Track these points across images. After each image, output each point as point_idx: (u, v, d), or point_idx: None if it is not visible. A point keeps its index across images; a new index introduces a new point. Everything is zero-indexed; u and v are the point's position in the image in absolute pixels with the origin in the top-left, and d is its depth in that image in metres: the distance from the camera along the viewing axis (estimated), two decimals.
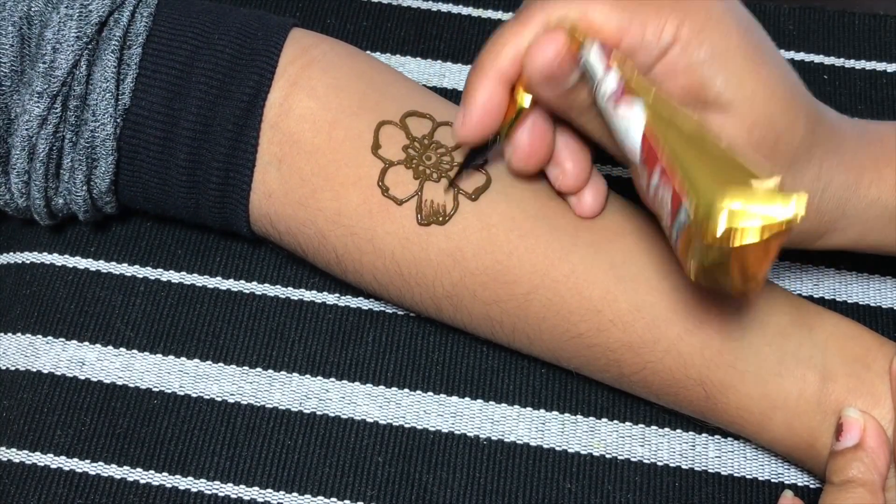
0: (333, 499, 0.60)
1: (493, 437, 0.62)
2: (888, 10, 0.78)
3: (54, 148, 0.58)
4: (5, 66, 0.58)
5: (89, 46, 0.58)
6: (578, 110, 0.54)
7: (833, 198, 0.56)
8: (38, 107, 0.57)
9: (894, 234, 0.58)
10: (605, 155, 0.69)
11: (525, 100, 0.54)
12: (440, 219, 0.57)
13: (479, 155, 0.57)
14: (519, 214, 0.58)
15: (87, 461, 0.60)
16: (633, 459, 0.62)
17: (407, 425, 0.62)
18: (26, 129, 0.57)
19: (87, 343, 0.64)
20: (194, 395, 0.62)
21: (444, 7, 0.77)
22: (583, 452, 0.62)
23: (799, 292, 0.67)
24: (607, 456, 0.62)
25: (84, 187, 0.60)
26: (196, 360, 0.63)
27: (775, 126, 0.53)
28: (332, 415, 0.62)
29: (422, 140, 0.59)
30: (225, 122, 0.58)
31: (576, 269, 0.57)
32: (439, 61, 0.75)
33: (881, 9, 0.78)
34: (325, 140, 0.59)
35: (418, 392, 0.63)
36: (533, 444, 0.62)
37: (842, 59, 0.76)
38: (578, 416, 0.63)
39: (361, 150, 0.58)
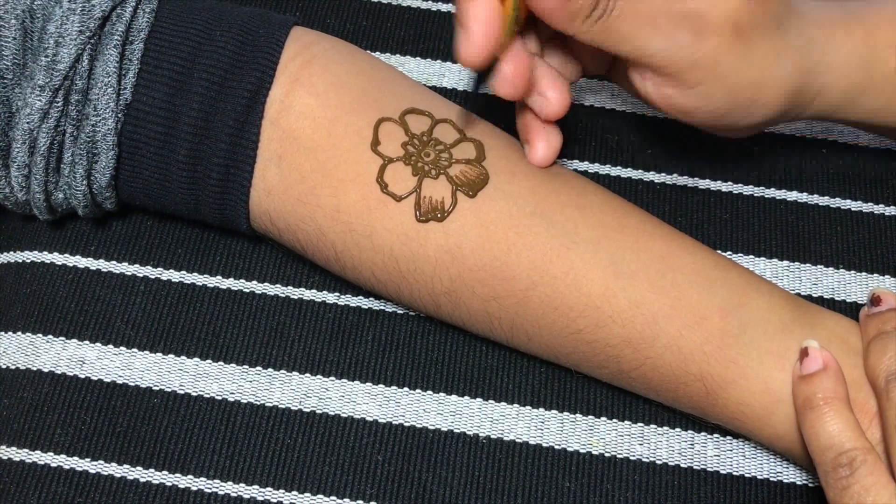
0: (333, 497, 0.60)
1: (493, 436, 0.62)
2: None
3: (55, 142, 0.59)
4: (7, 59, 0.58)
5: (91, 41, 0.58)
6: (575, 14, 0.55)
7: (816, 51, 0.60)
8: (39, 100, 0.57)
9: (868, 85, 0.62)
10: (605, 155, 0.69)
11: (511, 22, 0.56)
12: (439, 215, 0.58)
13: (484, 77, 0.58)
14: (517, 211, 0.58)
15: (88, 460, 0.60)
16: (632, 458, 0.62)
17: (406, 424, 0.62)
18: (27, 123, 0.58)
19: (87, 342, 0.64)
20: (194, 394, 0.62)
21: (444, 7, 0.77)
22: (582, 451, 0.62)
23: (798, 292, 0.67)
24: (606, 454, 0.62)
25: (84, 182, 0.60)
26: (196, 359, 0.63)
27: None
28: (332, 413, 0.62)
29: (421, 137, 0.59)
30: (226, 119, 0.59)
31: (574, 266, 0.58)
32: (439, 61, 0.75)
33: None
34: (324, 137, 0.59)
35: (418, 391, 0.63)
36: (532, 442, 0.62)
37: None
38: (577, 415, 0.63)
39: (361, 147, 0.59)
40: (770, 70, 0.58)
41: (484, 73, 0.57)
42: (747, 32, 0.57)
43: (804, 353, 0.56)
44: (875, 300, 0.59)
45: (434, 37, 0.76)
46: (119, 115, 0.59)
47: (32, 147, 0.58)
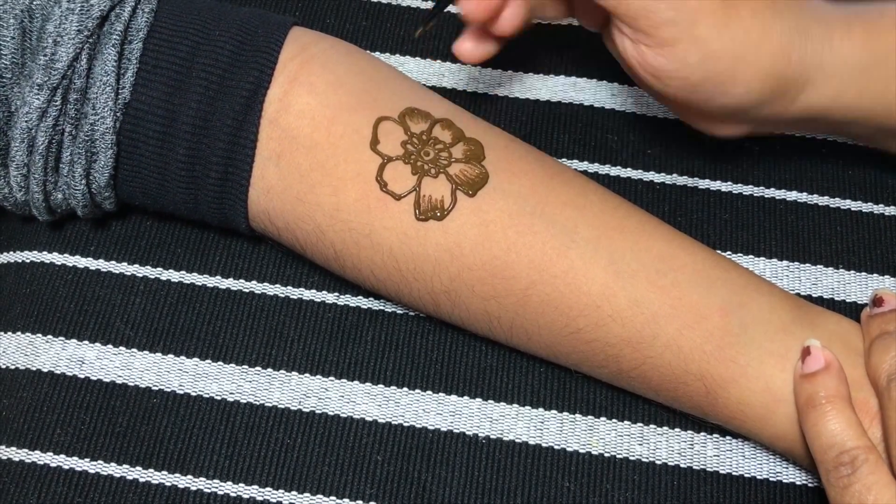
0: (333, 497, 0.60)
1: (492, 436, 0.62)
2: None
3: (54, 141, 0.59)
4: (6, 58, 0.58)
5: (90, 40, 0.58)
6: None
7: (811, 45, 0.60)
8: (37, 99, 0.57)
9: (864, 89, 0.61)
10: (605, 155, 0.69)
11: None
12: (438, 214, 0.58)
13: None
14: (517, 210, 0.58)
15: (87, 460, 0.60)
16: (631, 458, 0.62)
17: (406, 424, 0.62)
18: (26, 122, 0.58)
19: (86, 342, 0.64)
20: (194, 394, 0.63)
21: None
22: (581, 451, 0.62)
23: (798, 292, 0.67)
24: (606, 454, 0.62)
25: (83, 181, 0.60)
26: (195, 359, 0.64)
27: None
28: (332, 413, 0.62)
29: (420, 136, 0.59)
30: (224, 118, 0.59)
31: (574, 265, 0.58)
32: (438, 61, 0.75)
33: None
34: (323, 136, 0.59)
35: (417, 391, 0.63)
36: (531, 442, 0.62)
37: None
38: (577, 415, 0.63)
39: (360, 146, 0.59)
40: (753, 47, 0.58)
41: None
42: (734, 2, 0.57)
43: (806, 352, 0.56)
44: (877, 301, 0.59)
45: (434, 37, 0.76)
46: (118, 115, 0.59)
47: (31, 146, 0.58)
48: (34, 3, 0.58)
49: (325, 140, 0.59)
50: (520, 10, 0.63)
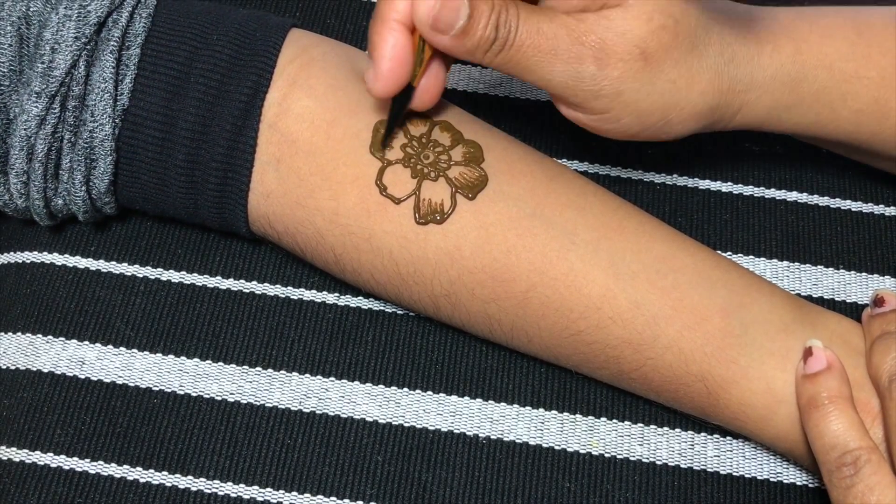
0: (333, 498, 0.60)
1: (493, 436, 0.62)
2: None
3: (53, 148, 0.59)
4: (4, 66, 0.58)
5: (88, 47, 0.58)
6: (474, 49, 0.55)
7: (739, 70, 0.60)
8: (36, 107, 0.57)
9: (794, 102, 0.61)
10: (605, 155, 0.69)
11: (420, 52, 0.56)
12: (438, 217, 0.58)
13: (401, 106, 0.58)
14: (516, 213, 0.58)
15: (87, 460, 0.60)
16: (631, 458, 0.62)
17: (406, 424, 0.62)
18: (25, 130, 0.58)
19: (86, 342, 0.64)
20: (194, 395, 0.63)
21: None
22: (582, 451, 0.62)
23: (798, 292, 0.67)
24: (606, 455, 0.62)
25: (83, 188, 0.60)
26: (196, 360, 0.63)
27: (671, 12, 0.57)
28: (332, 414, 0.62)
29: (419, 138, 0.59)
30: (223, 123, 0.58)
31: (574, 267, 0.58)
32: None
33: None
34: (323, 139, 0.59)
35: (417, 391, 0.63)
36: (532, 443, 0.62)
37: None
38: (577, 416, 0.63)
39: (359, 149, 0.58)
40: (681, 93, 0.58)
41: (402, 94, 0.57)
42: (655, 59, 0.57)
43: (808, 352, 0.56)
44: (878, 301, 0.59)
45: None
46: (116, 121, 0.58)
47: (30, 154, 0.58)
48: (31, 9, 0.58)
49: (324, 144, 0.59)
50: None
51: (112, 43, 0.58)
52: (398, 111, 0.58)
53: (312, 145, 0.59)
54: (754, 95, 0.60)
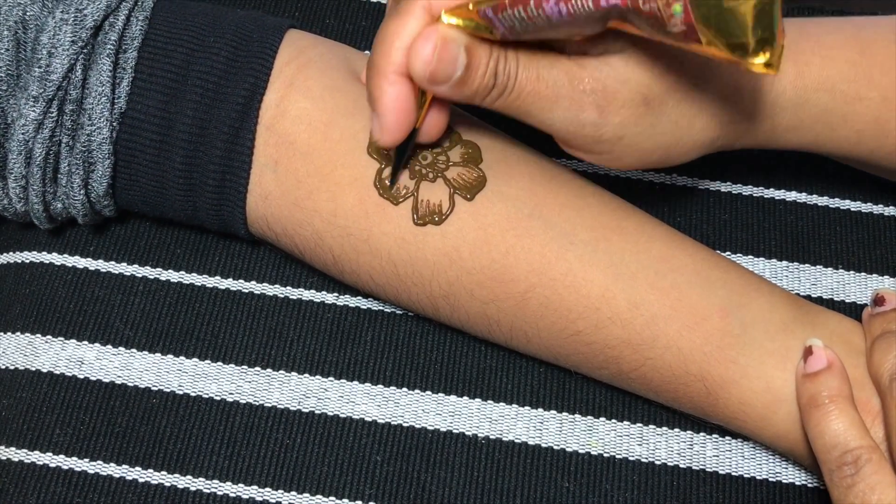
0: (332, 497, 0.60)
1: (492, 436, 0.62)
2: (885, 10, 0.78)
3: (51, 152, 0.59)
4: (1, 70, 0.57)
5: (84, 50, 0.58)
6: (473, 96, 0.54)
7: (741, 101, 0.59)
8: (34, 111, 0.57)
9: (797, 125, 0.61)
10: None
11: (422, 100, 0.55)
12: (436, 219, 0.58)
13: (406, 149, 0.57)
14: (515, 213, 0.58)
15: (86, 460, 0.61)
16: (630, 458, 0.62)
17: (405, 424, 0.62)
18: (23, 134, 0.58)
19: (86, 342, 0.64)
20: (193, 394, 0.63)
21: None
22: (581, 451, 0.62)
23: (797, 292, 0.67)
24: (605, 455, 0.62)
25: (82, 191, 0.60)
26: (195, 360, 0.64)
27: (675, 53, 0.55)
28: (331, 414, 0.62)
29: None
30: (220, 125, 0.58)
31: (573, 268, 0.58)
32: None
33: (878, 9, 0.78)
34: (320, 141, 0.59)
35: (417, 391, 0.63)
36: (531, 442, 0.62)
37: None
38: (576, 415, 0.63)
39: (357, 151, 0.58)
40: (682, 131, 0.57)
41: (405, 143, 0.57)
42: (658, 103, 0.55)
43: (808, 351, 0.56)
44: (879, 300, 0.59)
45: None
46: (114, 124, 0.58)
47: (28, 158, 0.58)
48: (28, 13, 0.58)
49: (321, 145, 0.59)
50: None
51: (109, 46, 0.58)
52: (403, 152, 0.57)
53: (310, 147, 0.59)
54: (756, 122, 0.60)
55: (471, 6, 0.51)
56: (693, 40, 0.46)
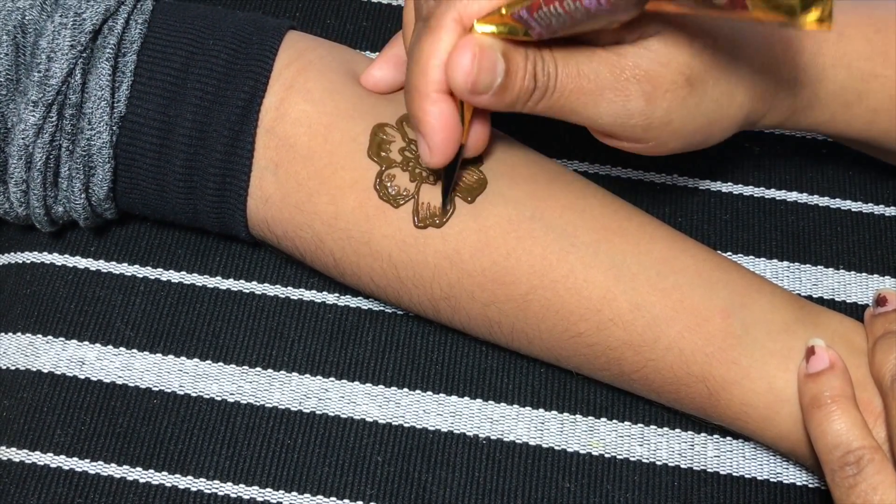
0: (333, 498, 0.60)
1: (493, 437, 0.62)
2: None
3: (51, 156, 0.59)
4: (0, 75, 0.58)
5: (84, 55, 0.58)
6: (515, 102, 0.53)
7: (768, 75, 0.58)
8: (33, 115, 0.57)
9: (814, 101, 0.60)
10: (605, 156, 0.69)
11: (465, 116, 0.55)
12: (437, 221, 0.57)
13: (455, 167, 0.57)
14: (516, 216, 0.58)
15: (87, 460, 0.61)
16: (631, 459, 0.62)
17: (406, 424, 0.62)
18: (23, 138, 0.57)
19: (86, 342, 0.64)
20: (194, 395, 0.63)
21: None
22: (582, 452, 0.62)
23: (798, 292, 0.67)
24: (606, 455, 0.62)
25: (83, 195, 0.60)
26: (196, 360, 0.64)
27: (709, 29, 0.55)
28: (332, 414, 0.62)
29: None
30: (220, 128, 0.58)
31: (574, 269, 0.57)
32: None
33: None
34: (321, 143, 0.59)
35: (417, 391, 0.63)
36: (532, 443, 0.62)
37: None
38: (577, 416, 0.63)
39: (357, 153, 0.58)
40: (722, 109, 0.57)
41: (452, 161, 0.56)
42: (700, 82, 0.55)
43: (810, 351, 0.56)
44: (881, 300, 0.59)
45: None
46: (114, 128, 0.58)
47: (29, 163, 0.58)
48: (27, 18, 0.58)
49: (322, 148, 0.58)
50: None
51: (108, 50, 0.58)
52: (452, 171, 0.57)
53: (310, 150, 0.59)
54: (780, 97, 0.59)
55: (503, 10, 0.50)
56: (739, 6, 0.45)
